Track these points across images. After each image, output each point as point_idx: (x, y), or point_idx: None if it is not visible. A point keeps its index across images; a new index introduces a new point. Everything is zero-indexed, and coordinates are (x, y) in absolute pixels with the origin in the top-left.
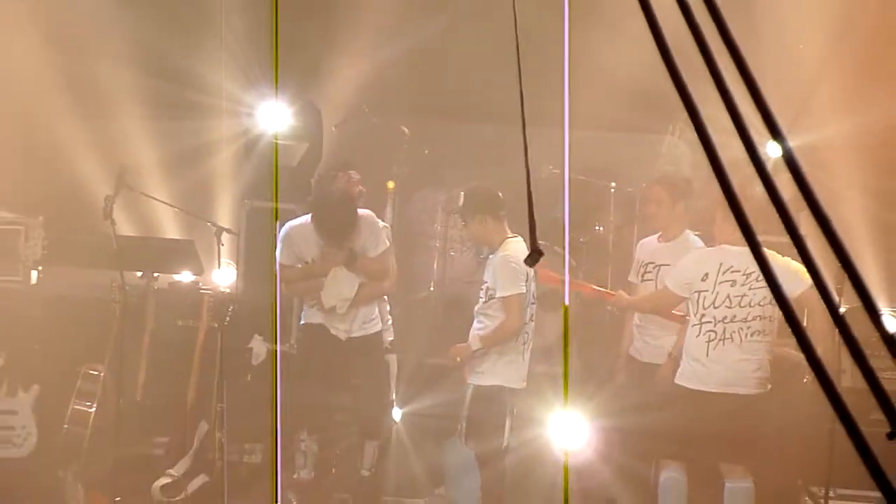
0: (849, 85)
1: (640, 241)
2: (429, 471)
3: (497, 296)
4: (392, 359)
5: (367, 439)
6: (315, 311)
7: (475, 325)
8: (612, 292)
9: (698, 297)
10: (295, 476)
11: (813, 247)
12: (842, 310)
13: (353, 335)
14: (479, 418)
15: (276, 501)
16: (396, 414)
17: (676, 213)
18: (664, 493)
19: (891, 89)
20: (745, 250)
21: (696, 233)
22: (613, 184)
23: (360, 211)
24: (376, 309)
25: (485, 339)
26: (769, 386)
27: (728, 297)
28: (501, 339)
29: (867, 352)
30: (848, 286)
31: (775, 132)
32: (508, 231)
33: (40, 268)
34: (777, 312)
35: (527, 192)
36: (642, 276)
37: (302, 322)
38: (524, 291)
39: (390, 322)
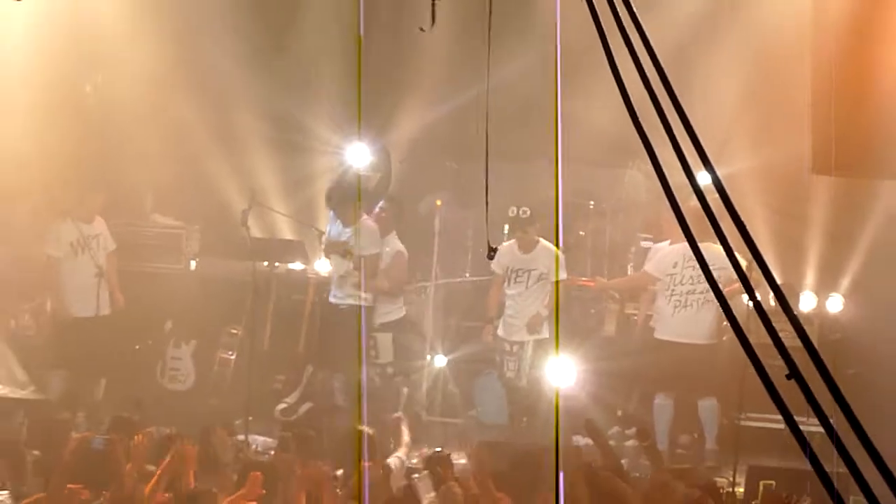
0: (760, 127)
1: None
2: (463, 399)
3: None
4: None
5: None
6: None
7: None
8: (592, 280)
9: (669, 279)
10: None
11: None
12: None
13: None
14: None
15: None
16: (441, 360)
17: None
18: (658, 414)
19: (790, 130)
20: (704, 245)
21: (648, 235)
22: (592, 202)
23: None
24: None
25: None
26: (723, 338)
27: (690, 277)
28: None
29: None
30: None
31: (706, 164)
32: None
33: (197, 259)
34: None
35: (485, 202)
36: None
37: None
38: None
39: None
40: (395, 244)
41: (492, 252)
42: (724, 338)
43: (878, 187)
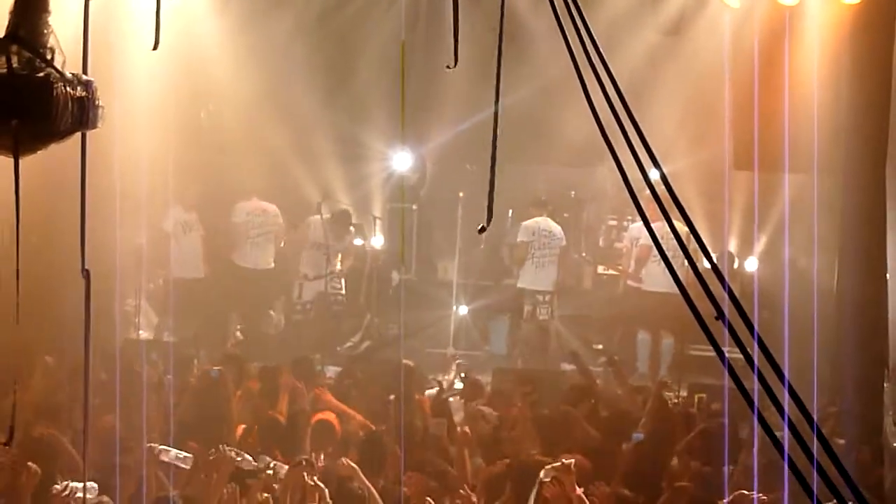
0: (694, 134)
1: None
2: (481, 335)
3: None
4: None
5: None
6: None
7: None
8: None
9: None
10: None
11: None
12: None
13: None
14: None
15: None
16: (464, 309)
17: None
18: (640, 348)
19: (717, 136)
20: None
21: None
22: (573, 192)
23: None
24: None
25: None
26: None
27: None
28: None
29: None
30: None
31: (654, 163)
32: None
33: (285, 238)
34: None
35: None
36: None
37: None
38: None
39: None
40: None
41: (482, 229)
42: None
43: (782, 178)
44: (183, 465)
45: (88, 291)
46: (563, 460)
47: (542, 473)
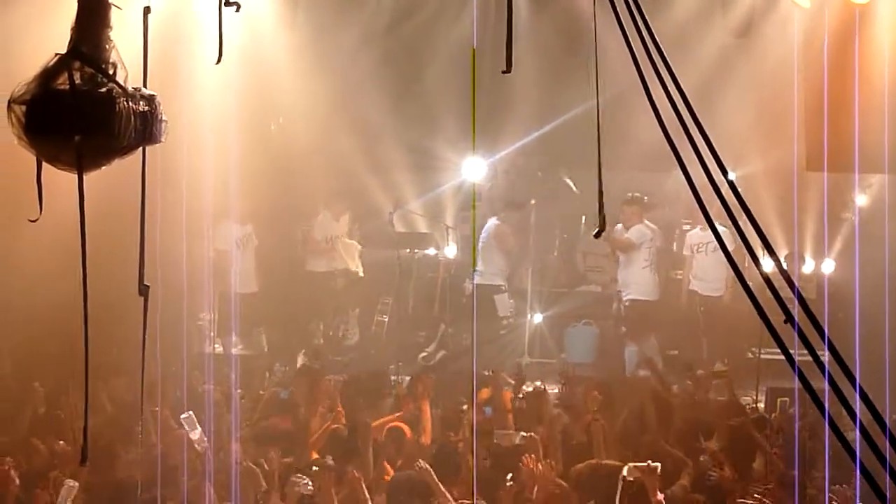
0: (765, 137)
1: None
2: (555, 344)
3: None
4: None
5: None
6: None
7: None
8: None
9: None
10: None
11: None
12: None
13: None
14: None
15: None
16: (539, 317)
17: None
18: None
19: (788, 138)
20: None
21: (689, 220)
22: (646, 197)
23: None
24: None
25: None
26: None
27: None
28: None
29: None
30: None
31: (722, 169)
32: None
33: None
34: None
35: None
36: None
37: None
38: None
39: None
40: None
41: (598, 233)
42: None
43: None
44: (198, 447)
45: (146, 307)
46: (650, 462)
47: (625, 471)
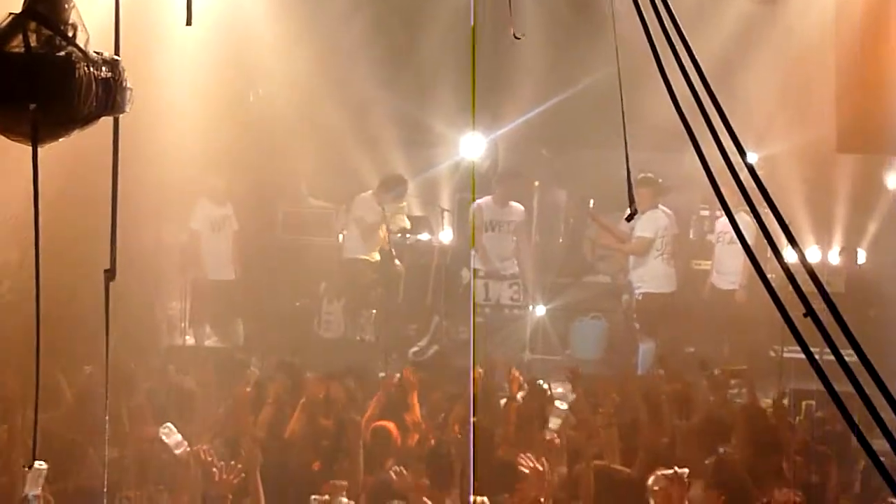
0: (793, 115)
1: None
2: (560, 340)
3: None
4: None
5: None
6: None
7: None
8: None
9: (661, 241)
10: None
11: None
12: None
13: None
14: None
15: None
16: (542, 309)
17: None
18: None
19: (818, 117)
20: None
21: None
22: (661, 179)
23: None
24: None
25: None
26: None
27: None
28: None
29: None
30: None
31: (740, 151)
32: None
33: (344, 233)
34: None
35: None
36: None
37: None
38: None
39: None
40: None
41: (630, 217)
42: None
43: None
44: (175, 451)
45: (108, 294)
46: (677, 469)
47: (650, 481)
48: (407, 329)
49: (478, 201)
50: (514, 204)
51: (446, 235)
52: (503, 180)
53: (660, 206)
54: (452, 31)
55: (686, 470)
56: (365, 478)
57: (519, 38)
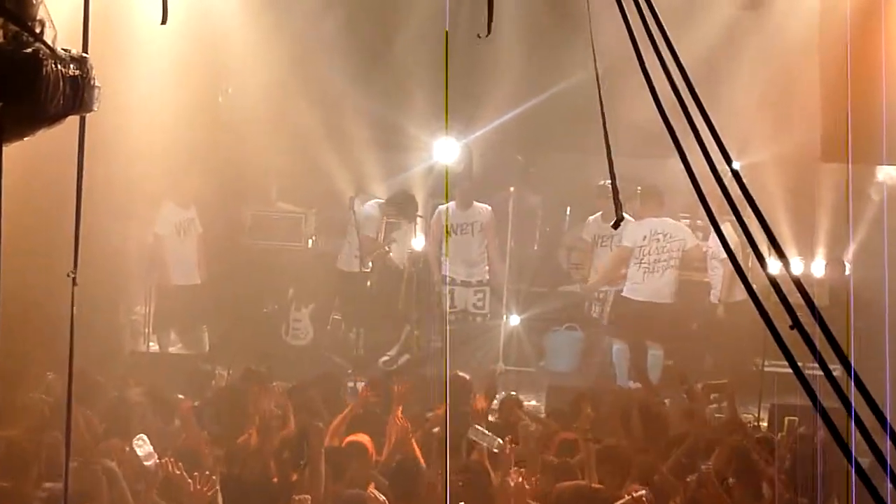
0: (776, 122)
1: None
2: (535, 350)
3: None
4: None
5: None
6: None
7: None
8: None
9: (640, 250)
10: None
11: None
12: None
13: None
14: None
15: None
16: (516, 319)
17: None
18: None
19: (802, 124)
20: (665, 220)
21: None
22: (638, 188)
23: None
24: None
25: None
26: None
27: (656, 248)
28: None
29: None
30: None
31: (725, 157)
32: None
33: (313, 238)
34: (683, 255)
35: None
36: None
37: None
38: None
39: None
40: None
41: (616, 224)
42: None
43: (878, 171)
44: (147, 462)
45: (73, 298)
46: (633, 493)
47: None
48: (377, 337)
49: (441, 206)
50: (478, 204)
51: (418, 242)
52: (458, 182)
53: (663, 216)
54: (426, 34)
55: (644, 491)
56: (336, 489)
57: (481, 38)
